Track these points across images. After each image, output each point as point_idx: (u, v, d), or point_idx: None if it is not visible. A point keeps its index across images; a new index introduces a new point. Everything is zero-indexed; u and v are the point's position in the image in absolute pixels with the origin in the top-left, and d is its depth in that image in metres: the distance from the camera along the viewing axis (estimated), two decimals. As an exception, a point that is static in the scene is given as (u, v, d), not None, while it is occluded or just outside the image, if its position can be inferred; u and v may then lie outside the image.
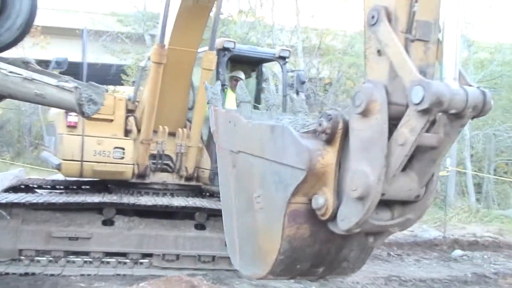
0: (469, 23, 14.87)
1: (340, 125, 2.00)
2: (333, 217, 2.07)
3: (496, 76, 16.04)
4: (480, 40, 16.07)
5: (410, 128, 1.80)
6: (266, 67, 9.50)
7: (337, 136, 2.03)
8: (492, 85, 17.03)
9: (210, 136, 5.52)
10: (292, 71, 9.14)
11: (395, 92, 1.88)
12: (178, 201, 7.30)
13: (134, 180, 7.66)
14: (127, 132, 7.83)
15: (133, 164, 7.51)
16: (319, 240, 2.25)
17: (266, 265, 2.46)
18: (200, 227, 7.35)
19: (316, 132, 2.09)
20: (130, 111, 8.02)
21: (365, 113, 1.90)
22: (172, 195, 7.86)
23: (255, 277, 2.73)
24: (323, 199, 2.07)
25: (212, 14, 7.25)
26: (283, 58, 8.40)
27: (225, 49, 7.68)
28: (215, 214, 7.08)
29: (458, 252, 9.81)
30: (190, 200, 7.50)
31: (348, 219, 2.00)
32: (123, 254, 7.05)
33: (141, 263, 7.06)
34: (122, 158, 7.43)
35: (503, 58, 16.22)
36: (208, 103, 3.04)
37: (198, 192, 8.41)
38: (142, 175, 7.67)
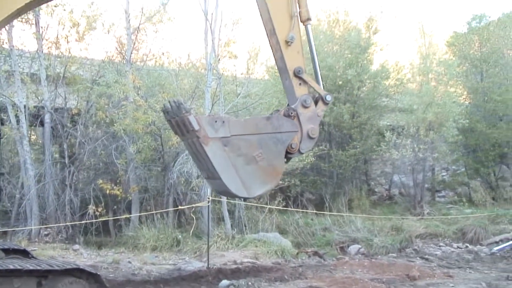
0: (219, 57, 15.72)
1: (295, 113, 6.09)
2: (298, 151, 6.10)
3: (241, 108, 17.20)
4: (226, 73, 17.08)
5: None
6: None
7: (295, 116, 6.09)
8: (236, 115, 18.24)
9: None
10: None
11: None
12: None
13: None
14: None
15: None
16: None
17: (270, 185, 6.02)
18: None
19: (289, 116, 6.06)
20: None
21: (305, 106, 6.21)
22: None
23: (258, 196, 8.04)
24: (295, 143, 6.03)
25: None
26: None
27: None
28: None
29: (225, 282, 9.79)
30: None
31: (306, 149, 6.19)
32: None
33: None
34: None
35: (247, 91, 17.53)
36: (185, 113, 5.52)
37: None
38: None
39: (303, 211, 17.66)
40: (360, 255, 14.19)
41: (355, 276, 10.85)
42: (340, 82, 21.93)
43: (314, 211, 17.83)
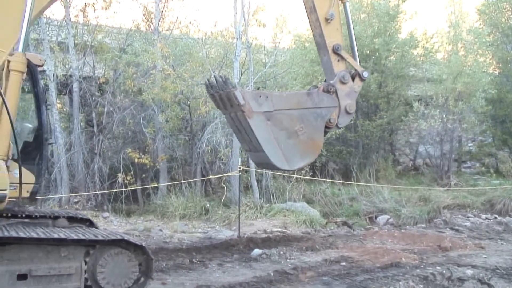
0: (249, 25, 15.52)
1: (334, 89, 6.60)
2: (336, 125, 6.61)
3: (269, 78, 17.08)
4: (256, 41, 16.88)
5: None
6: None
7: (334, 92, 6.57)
8: (264, 84, 18.14)
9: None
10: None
11: None
12: None
13: None
14: None
15: None
16: None
17: (310, 159, 6.50)
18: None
19: (328, 91, 6.52)
20: None
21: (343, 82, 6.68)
22: None
23: (298, 169, 7.86)
24: (334, 118, 6.56)
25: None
26: None
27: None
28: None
29: (257, 251, 9.89)
30: None
31: (343, 124, 6.70)
32: None
33: None
34: None
35: (275, 60, 17.36)
36: (232, 88, 5.77)
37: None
38: None
39: (330, 181, 17.66)
40: (389, 226, 14.20)
41: (386, 246, 10.88)
42: (368, 51, 21.56)
43: (341, 181, 17.81)
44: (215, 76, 6.20)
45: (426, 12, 51.71)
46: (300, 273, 8.48)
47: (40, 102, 6.92)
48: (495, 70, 26.09)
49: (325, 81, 6.87)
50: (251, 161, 15.29)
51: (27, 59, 6.23)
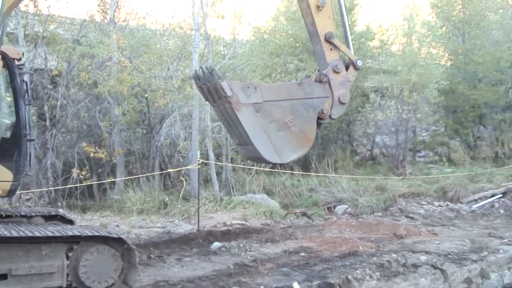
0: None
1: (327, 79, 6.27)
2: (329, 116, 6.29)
3: (229, 70, 16.97)
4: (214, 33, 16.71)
5: None
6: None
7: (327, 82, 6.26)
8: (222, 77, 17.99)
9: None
10: None
11: None
12: None
13: None
14: None
15: None
16: None
17: (302, 151, 6.05)
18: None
19: (321, 81, 6.24)
20: None
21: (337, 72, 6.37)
22: None
23: (289, 162, 6.67)
24: (327, 109, 6.24)
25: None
26: None
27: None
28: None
29: (216, 244, 9.86)
30: None
31: (337, 114, 6.33)
32: None
33: None
34: None
35: (234, 52, 17.26)
36: (218, 79, 5.62)
37: None
38: None
39: (289, 172, 17.78)
40: (347, 215, 14.45)
41: (344, 235, 11.06)
42: (325, 43, 21.70)
43: (301, 172, 17.97)
44: (201, 67, 5.93)
45: (381, 5, 52.64)
46: (259, 265, 8.49)
47: (18, 97, 6.68)
48: (447, 62, 26.86)
49: (318, 71, 6.58)
50: (210, 154, 15.24)
51: (3, 52, 6.00)
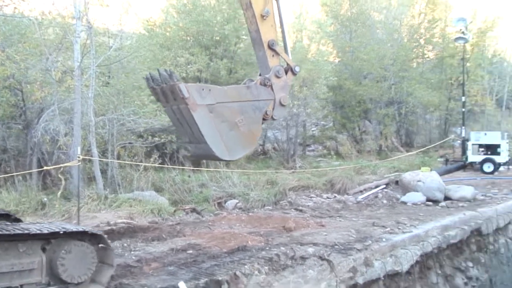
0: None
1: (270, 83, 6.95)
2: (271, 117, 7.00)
3: (115, 61, 16.10)
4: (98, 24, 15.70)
5: None
6: None
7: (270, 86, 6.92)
8: (108, 69, 17.10)
9: None
10: None
11: None
12: None
13: None
14: None
15: None
16: None
17: (249, 149, 7.19)
18: None
19: (265, 85, 6.89)
20: None
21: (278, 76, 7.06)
22: None
23: (238, 159, 7.90)
24: (270, 110, 6.92)
25: None
26: None
27: None
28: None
29: (97, 246, 9.14)
30: None
31: (279, 116, 7.12)
32: None
33: None
34: None
35: (121, 44, 16.42)
36: (176, 81, 6.00)
37: None
38: None
39: (180, 168, 17.32)
40: (237, 210, 14.32)
41: (234, 230, 10.87)
42: (217, 38, 21.55)
43: (191, 168, 17.58)
44: (158, 70, 6.24)
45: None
46: (144, 265, 8.02)
47: None
48: (335, 59, 27.97)
49: (260, 75, 7.16)
50: (94, 150, 14.33)
51: None
